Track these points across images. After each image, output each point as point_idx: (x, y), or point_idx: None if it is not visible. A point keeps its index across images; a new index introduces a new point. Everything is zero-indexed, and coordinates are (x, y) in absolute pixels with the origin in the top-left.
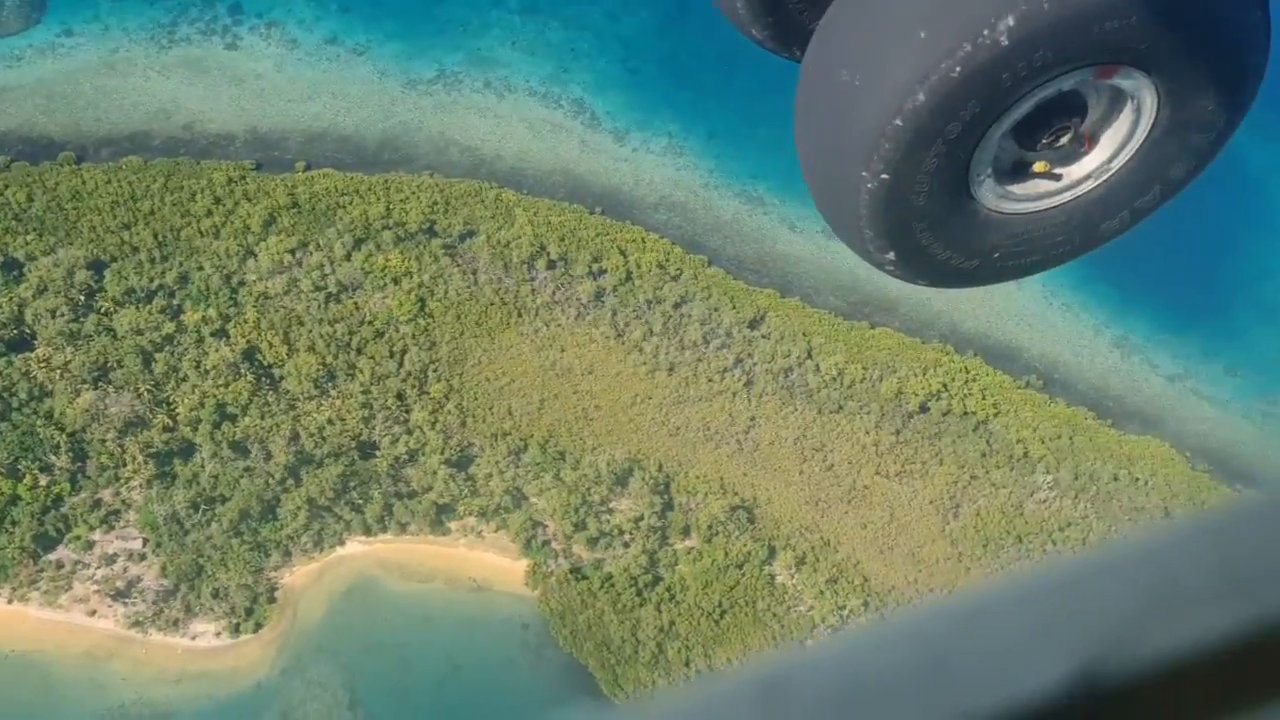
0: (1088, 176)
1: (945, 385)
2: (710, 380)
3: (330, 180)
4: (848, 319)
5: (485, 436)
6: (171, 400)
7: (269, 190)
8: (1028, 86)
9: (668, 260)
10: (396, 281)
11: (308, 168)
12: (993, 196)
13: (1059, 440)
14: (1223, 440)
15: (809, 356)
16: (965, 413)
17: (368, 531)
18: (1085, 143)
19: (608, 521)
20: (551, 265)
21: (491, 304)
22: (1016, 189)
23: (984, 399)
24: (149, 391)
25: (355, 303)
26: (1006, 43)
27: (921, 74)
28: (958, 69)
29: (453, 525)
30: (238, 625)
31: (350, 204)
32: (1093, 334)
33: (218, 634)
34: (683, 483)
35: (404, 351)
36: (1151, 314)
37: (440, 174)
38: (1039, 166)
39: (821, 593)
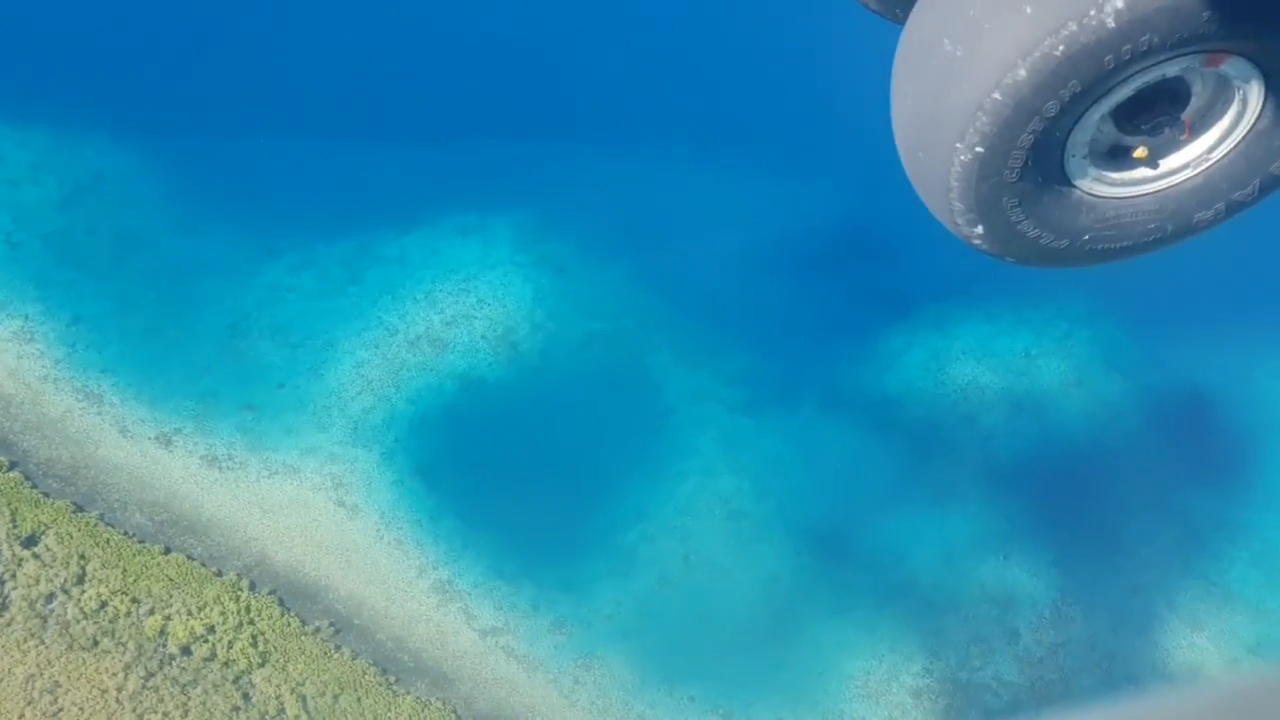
0: (1186, 165)
1: (213, 627)
2: None
3: None
4: (143, 541)
5: None
6: None
7: None
8: (1131, 70)
9: None
10: None
11: None
12: (1087, 178)
13: (323, 698)
14: (517, 708)
15: (79, 582)
16: (228, 660)
17: None
18: (1186, 131)
19: None
20: None
21: None
22: (1112, 173)
23: (253, 645)
24: None
25: None
26: (1113, 24)
27: (1024, 49)
28: (1061, 47)
29: None
30: None
31: None
32: (415, 575)
33: None
34: None
35: None
36: (491, 557)
37: None
38: (1139, 152)
39: None
